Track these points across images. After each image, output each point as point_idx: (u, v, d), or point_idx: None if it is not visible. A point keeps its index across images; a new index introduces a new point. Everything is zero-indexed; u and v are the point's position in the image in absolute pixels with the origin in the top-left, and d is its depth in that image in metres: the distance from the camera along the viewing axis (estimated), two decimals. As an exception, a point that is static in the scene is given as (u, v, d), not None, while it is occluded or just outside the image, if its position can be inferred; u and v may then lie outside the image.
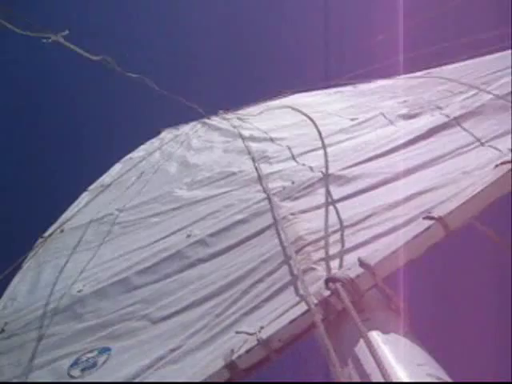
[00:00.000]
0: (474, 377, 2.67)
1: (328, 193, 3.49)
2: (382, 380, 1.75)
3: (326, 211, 3.25)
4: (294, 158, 4.67)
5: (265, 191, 4.10)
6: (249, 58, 15.38)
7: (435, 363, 2.00)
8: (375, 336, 2.04)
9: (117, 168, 7.08)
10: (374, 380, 1.84)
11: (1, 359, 3.41)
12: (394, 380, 1.77)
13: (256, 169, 4.72)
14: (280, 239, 3.16)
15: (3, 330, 3.74)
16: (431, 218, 2.37)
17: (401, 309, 2.27)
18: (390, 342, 2.02)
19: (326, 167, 3.89)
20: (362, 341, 1.98)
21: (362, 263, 2.28)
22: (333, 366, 1.91)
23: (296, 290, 2.44)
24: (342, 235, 2.87)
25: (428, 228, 2.32)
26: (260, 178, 4.45)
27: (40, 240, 4.85)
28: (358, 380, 1.90)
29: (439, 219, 2.34)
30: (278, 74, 14.27)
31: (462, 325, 8.38)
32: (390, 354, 1.94)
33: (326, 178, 3.73)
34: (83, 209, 5.33)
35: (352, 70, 8.07)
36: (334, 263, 2.57)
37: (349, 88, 7.49)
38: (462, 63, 5.73)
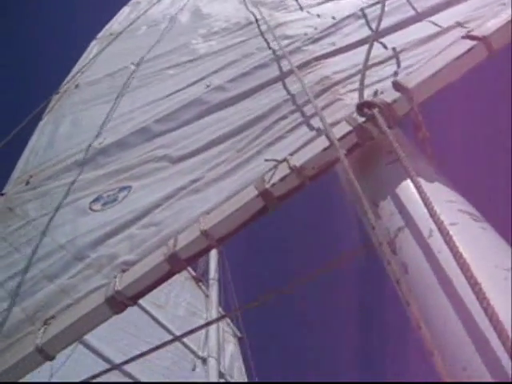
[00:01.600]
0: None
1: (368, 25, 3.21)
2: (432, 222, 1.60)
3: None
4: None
5: (286, 38, 3.84)
6: None
7: (464, 199, 1.89)
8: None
9: (125, 12, 6.70)
10: (419, 223, 1.70)
11: (26, 206, 3.48)
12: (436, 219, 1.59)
13: (273, 17, 4.44)
14: (302, 82, 2.96)
15: (28, 182, 3.78)
16: (473, 38, 2.13)
17: (428, 140, 2.13)
18: (422, 176, 1.89)
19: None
20: (401, 181, 1.85)
21: (398, 87, 2.09)
22: (364, 214, 1.76)
23: (323, 120, 2.28)
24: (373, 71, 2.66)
25: (471, 49, 2.10)
26: (279, 26, 4.18)
27: (55, 95, 4.73)
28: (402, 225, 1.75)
29: (482, 39, 2.11)
30: None
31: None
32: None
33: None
34: (96, 62, 5.13)
35: None
36: (367, 92, 2.38)
37: None
38: None
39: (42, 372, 4.67)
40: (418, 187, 1.67)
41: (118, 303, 2.29)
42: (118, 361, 4.30)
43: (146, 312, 7.39)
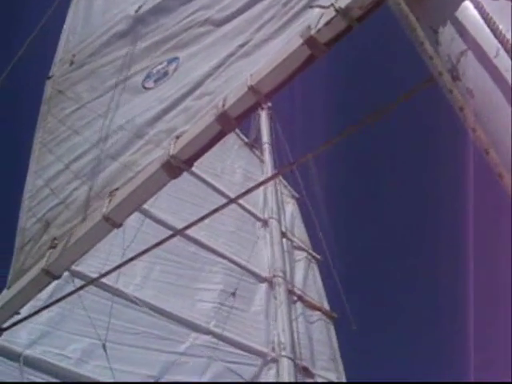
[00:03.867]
0: None
1: None
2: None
3: None
4: None
5: None
6: None
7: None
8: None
9: None
10: (483, 44, 1.53)
11: (76, 88, 3.49)
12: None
13: None
14: None
15: (72, 62, 3.74)
16: None
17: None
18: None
19: None
20: (460, 2, 1.64)
21: None
22: (421, 45, 1.60)
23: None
24: None
25: None
26: None
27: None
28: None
29: None
30: None
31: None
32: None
33: None
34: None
35: None
36: None
37: None
38: None
39: (115, 246, 5.01)
40: (479, 7, 1.55)
41: (173, 168, 2.36)
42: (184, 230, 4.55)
43: (205, 181, 7.61)
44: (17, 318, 2.92)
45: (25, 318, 3.06)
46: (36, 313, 3.20)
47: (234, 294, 6.65)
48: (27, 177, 3.20)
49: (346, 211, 13.42)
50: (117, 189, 2.56)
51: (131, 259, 2.85)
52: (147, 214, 6.34)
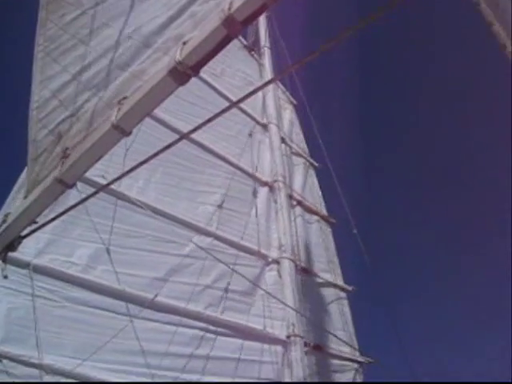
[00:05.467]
0: None
1: None
2: None
3: None
4: None
5: None
6: None
7: None
8: None
9: None
10: None
11: None
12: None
13: None
14: None
15: None
16: None
17: None
18: None
19: None
20: None
21: None
22: None
23: None
24: None
25: None
26: None
27: None
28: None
29: None
30: None
31: None
32: None
33: None
34: None
35: None
36: None
37: None
38: None
39: (117, 147, 4.92)
40: None
41: (180, 74, 2.36)
42: (184, 130, 4.43)
43: (205, 82, 7.37)
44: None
45: (41, 226, 3.09)
46: (52, 220, 3.23)
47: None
48: (32, 87, 3.10)
49: (345, 118, 13.28)
50: (125, 97, 2.52)
51: (142, 163, 2.82)
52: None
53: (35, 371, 4.63)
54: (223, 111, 2.67)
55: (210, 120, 2.62)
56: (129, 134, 2.55)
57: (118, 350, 5.06)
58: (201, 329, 5.71)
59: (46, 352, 4.66)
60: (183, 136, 4.35)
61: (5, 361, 4.59)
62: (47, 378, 4.65)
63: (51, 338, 4.82)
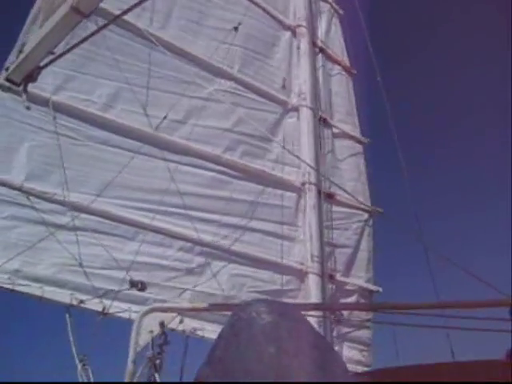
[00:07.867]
0: None
1: None
2: None
3: None
4: None
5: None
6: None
7: None
8: None
9: None
10: None
11: None
12: None
13: None
14: None
15: None
16: None
17: None
18: None
19: None
20: None
21: None
22: None
23: None
24: None
25: None
26: None
27: None
28: None
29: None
30: None
31: None
32: None
33: None
34: None
35: None
36: None
37: None
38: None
39: None
40: None
41: None
42: None
43: None
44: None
45: (60, 55, 2.96)
46: (69, 50, 3.08)
47: None
48: None
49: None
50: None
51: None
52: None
53: (59, 207, 4.79)
54: None
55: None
56: (87, 16, 2.32)
57: (141, 188, 5.17)
58: (219, 172, 5.78)
59: (69, 189, 4.78)
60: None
61: (31, 197, 4.72)
62: (70, 214, 4.81)
63: (74, 175, 4.90)
